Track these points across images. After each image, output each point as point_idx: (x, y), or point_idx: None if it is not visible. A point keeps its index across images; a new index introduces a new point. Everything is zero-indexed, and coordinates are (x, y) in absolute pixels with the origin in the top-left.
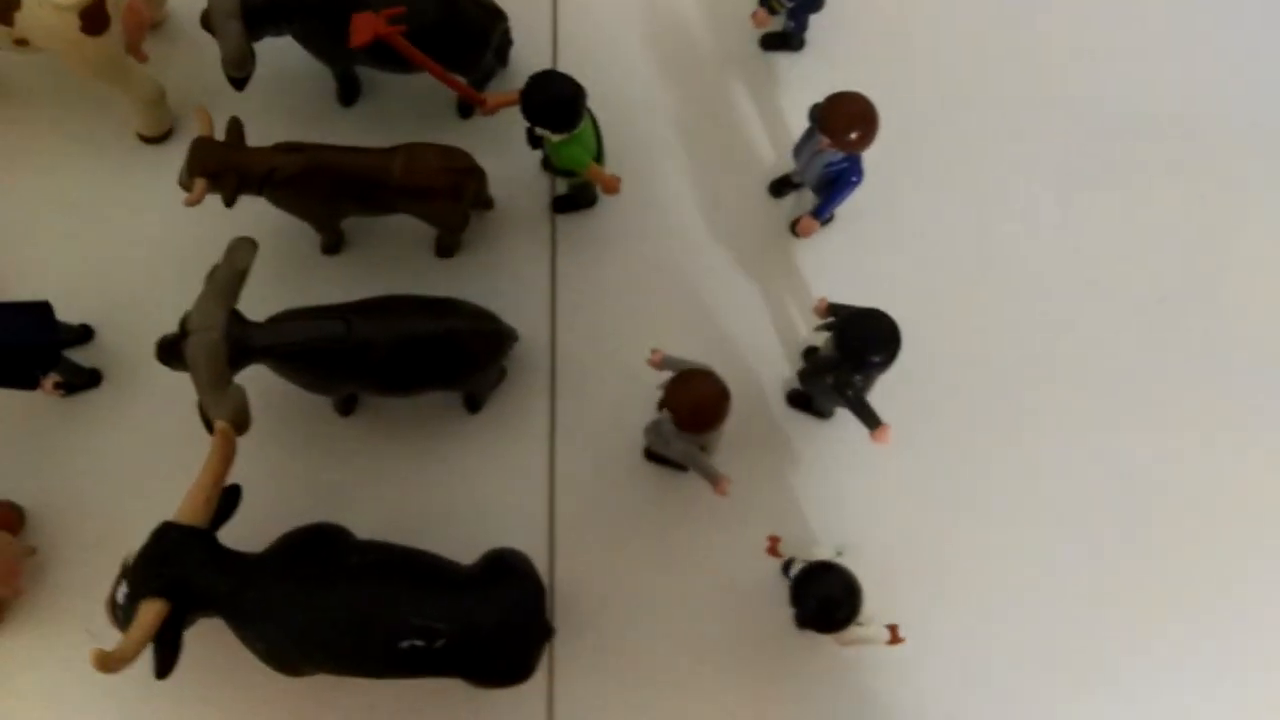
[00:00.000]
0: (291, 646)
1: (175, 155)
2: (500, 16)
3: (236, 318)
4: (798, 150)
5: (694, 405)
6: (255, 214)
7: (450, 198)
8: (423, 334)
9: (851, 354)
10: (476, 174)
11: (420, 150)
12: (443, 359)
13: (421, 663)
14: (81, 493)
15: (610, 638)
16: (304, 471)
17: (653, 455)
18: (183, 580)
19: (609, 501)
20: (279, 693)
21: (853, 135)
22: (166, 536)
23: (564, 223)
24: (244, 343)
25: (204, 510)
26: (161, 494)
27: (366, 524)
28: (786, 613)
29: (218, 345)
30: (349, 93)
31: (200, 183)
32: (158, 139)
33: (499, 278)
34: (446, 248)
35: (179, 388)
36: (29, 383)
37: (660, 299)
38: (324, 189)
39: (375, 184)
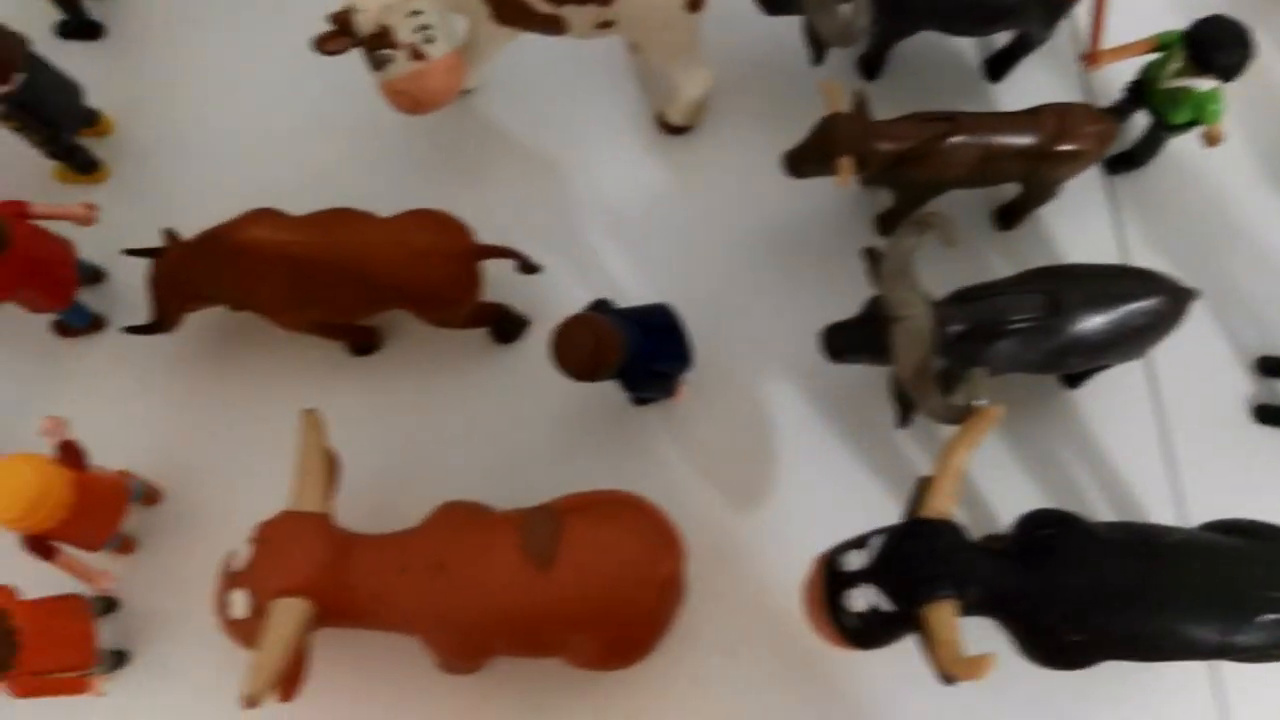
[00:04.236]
0: (1112, 634)
1: (697, 142)
2: None
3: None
4: None
5: None
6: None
7: (1095, 157)
8: (1129, 300)
9: None
10: (1117, 129)
11: (1072, 111)
12: (1145, 327)
13: (1269, 637)
14: (676, 501)
15: None
16: (888, 458)
17: (1268, 415)
18: (966, 577)
19: (1227, 464)
20: None
21: None
22: (928, 532)
23: (1120, 183)
24: (945, 325)
25: (953, 501)
26: (758, 490)
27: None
28: None
29: (927, 331)
30: (877, 66)
31: (847, 162)
32: (687, 128)
33: (1060, 246)
34: (1012, 218)
35: (760, 375)
36: (671, 391)
37: (1239, 248)
38: (970, 159)
39: (1021, 151)
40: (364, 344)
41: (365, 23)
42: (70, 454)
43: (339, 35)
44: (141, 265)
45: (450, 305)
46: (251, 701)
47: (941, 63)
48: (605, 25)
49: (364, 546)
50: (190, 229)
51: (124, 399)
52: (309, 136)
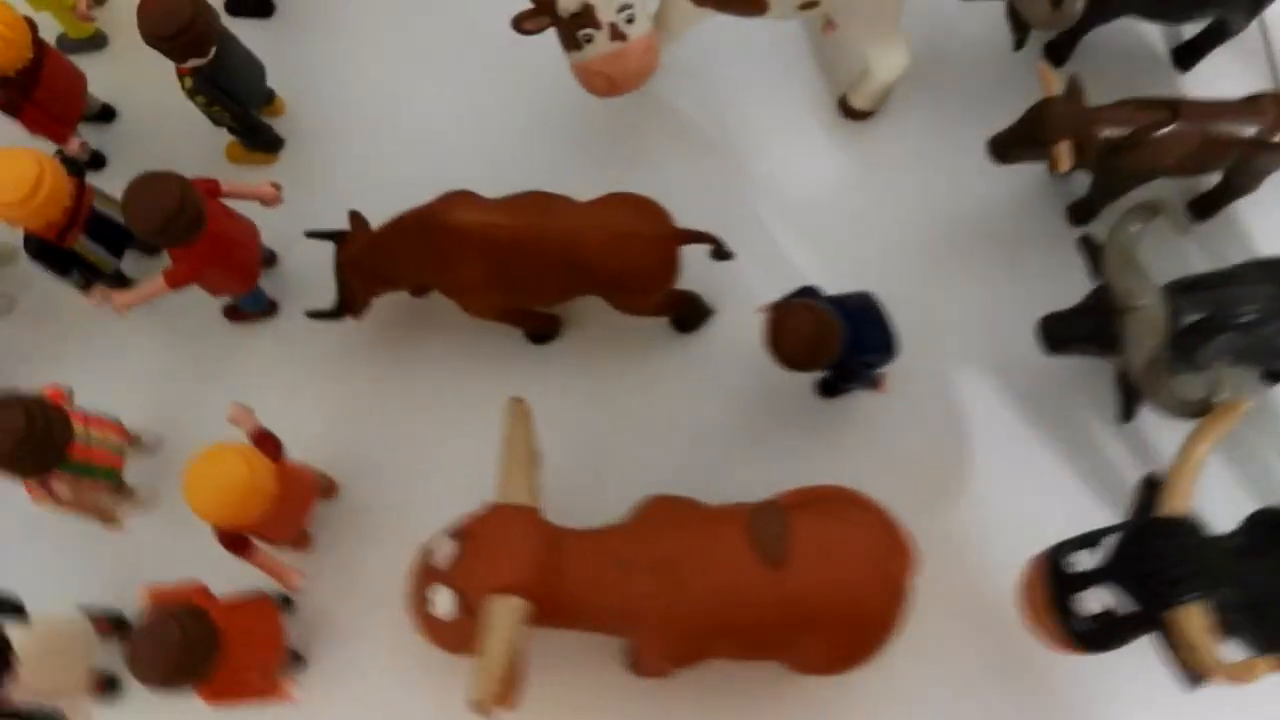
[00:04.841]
0: None
1: (877, 129)
2: None
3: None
4: None
5: None
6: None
7: None
8: None
9: None
10: None
11: None
12: None
13: None
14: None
15: None
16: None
17: None
18: (1218, 578)
19: None
20: None
21: None
22: (1173, 531)
23: None
24: (1179, 315)
25: (1192, 499)
26: (951, 488)
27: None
28: None
29: (1163, 320)
30: (1067, 52)
31: (1065, 147)
32: (870, 113)
33: (1253, 239)
34: (1209, 209)
35: (950, 367)
36: (874, 382)
37: None
38: (1187, 147)
39: (1239, 140)
40: (545, 331)
41: (570, 2)
42: (268, 444)
43: (539, 14)
44: (313, 248)
45: (649, 290)
46: (482, 707)
47: (1128, 50)
48: (808, 6)
49: (577, 542)
50: (362, 211)
51: (295, 387)
52: (476, 121)
